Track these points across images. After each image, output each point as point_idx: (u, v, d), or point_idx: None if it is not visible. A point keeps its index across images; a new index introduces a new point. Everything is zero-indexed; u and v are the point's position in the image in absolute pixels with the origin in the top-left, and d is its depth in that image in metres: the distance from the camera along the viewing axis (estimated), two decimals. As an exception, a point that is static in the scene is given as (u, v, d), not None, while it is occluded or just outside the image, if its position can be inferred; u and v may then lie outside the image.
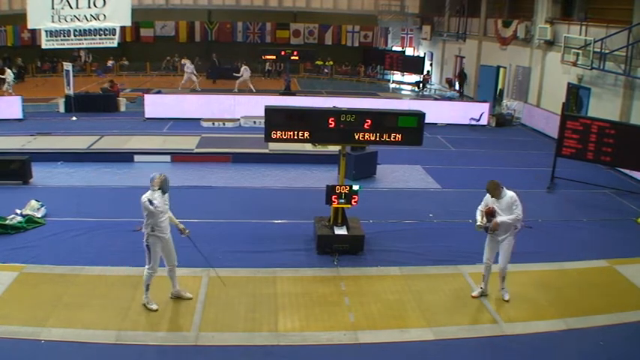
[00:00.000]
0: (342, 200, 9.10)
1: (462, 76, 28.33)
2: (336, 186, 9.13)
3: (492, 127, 20.54)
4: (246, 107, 19.36)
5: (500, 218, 7.35)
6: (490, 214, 7.40)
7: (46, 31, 19.32)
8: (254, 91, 24.22)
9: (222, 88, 25.30)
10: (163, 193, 7.10)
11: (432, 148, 16.51)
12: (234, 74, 25.69)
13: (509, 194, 7.42)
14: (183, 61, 26.99)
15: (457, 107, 21.41)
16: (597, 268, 9.10)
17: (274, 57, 26.02)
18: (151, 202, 6.92)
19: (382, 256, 9.17)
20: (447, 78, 29.70)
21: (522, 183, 12.18)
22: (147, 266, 7.20)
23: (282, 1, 33.55)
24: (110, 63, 31.58)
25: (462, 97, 27.56)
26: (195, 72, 25.67)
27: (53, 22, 19.06)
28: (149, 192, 7.04)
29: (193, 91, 24.44)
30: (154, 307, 7.31)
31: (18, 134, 16.11)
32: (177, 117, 19.17)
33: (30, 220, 9.86)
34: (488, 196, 7.55)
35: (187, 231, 7.50)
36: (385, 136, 8.92)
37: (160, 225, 7.07)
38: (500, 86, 25.33)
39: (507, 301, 7.79)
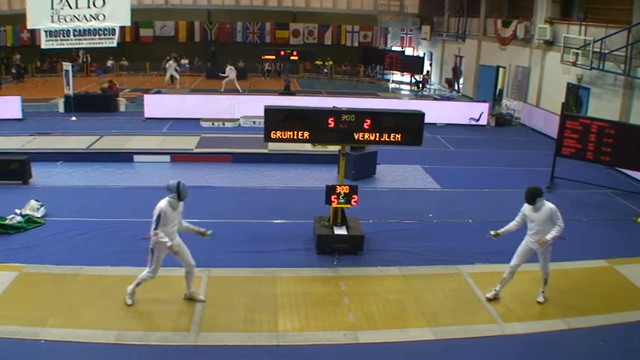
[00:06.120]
0: (342, 200, 9.10)
1: (456, 73, 28.51)
2: (335, 186, 9.13)
3: (492, 127, 20.56)
4: (246, 107, 19.37)
5: (550, 235, 7.32)
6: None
7: (45, 31, 19.28)
8: (240, 90, 24.32)
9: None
10: (180, 199, 7.05)
11: (431, 148, 16.51)
12: (221, 74, 25.95)
13: (547, 206, 7.36)
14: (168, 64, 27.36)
15: (455, 107, 21.36)
16: (597, 268, 9.11)
17: (274, 57, 26.05)
18: (158, 221, 6.86)
19: (382, 256, 9.16)
20: (447, 78, 29.72)
21: (522, 183, 12.14)
22: (148, 269, 7.21)
23: (282, 1, 33.60)
24: (110, 63, 31.57)
25: (453, 91, 28.07)
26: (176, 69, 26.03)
27: (53, 22, 19.02)
28: (165, 199, 6.98)
29: (192, 90, 24.43)
30: (129, 302, 7.33)
31: (18, 134, 16.10)
32: (177, 117, 19.17)
33: (30, 220, 9.85)
34: (525, 206, 7.49)
35: (209, 232, 7.48)
36: (385, 136, 8.89)
37: (168, 232, 7.02)
38: (499, 86, 25.35)
39: (540, 302, 7.79)
